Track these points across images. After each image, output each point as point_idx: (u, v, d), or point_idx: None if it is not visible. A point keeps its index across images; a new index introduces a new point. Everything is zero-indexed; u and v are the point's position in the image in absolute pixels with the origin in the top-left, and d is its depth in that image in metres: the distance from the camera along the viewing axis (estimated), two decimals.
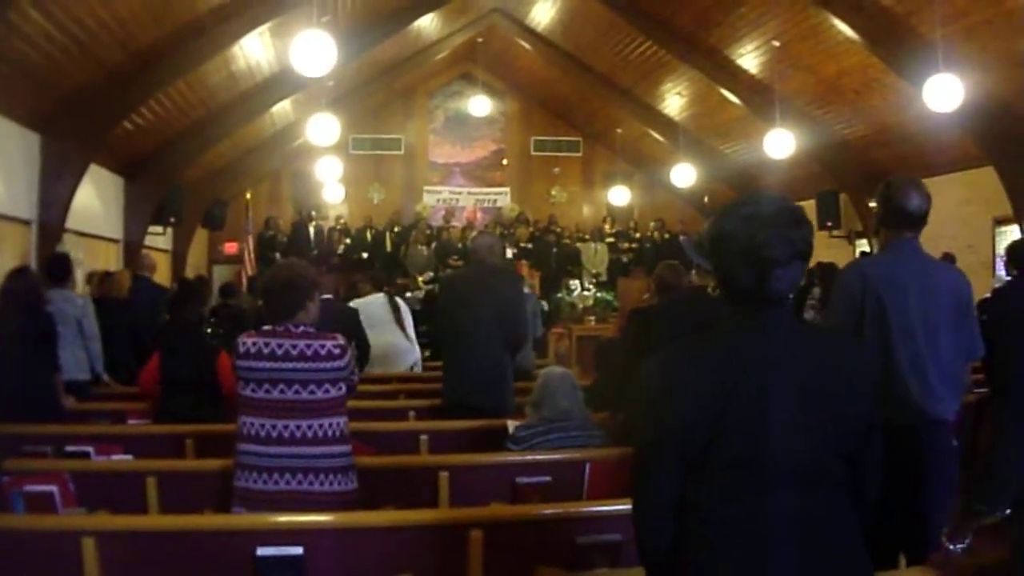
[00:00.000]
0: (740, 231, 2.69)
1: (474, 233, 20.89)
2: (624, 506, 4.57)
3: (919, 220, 5.08)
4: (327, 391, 4.99)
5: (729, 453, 2.62)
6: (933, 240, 5.20)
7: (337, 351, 5.00)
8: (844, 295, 5.04)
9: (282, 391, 4.93)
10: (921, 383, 4.82)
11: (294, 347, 4.95)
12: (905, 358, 4.82)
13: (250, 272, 20.38)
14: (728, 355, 2.71)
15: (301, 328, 5.04)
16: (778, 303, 2.73)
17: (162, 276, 17.27)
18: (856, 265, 5.45)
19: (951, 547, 3.29)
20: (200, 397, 7.74)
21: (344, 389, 5.11)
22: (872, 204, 5.30)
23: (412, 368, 10.92)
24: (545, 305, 18.51)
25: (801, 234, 2.69)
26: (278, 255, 20.68)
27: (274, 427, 4.92)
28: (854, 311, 4.93)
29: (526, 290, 10.61)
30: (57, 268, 9.25)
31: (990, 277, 13.51)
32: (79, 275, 12.05)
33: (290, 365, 4.93)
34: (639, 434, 2.84)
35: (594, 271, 21.93)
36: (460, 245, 21.51)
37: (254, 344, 4.98)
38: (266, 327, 5.10)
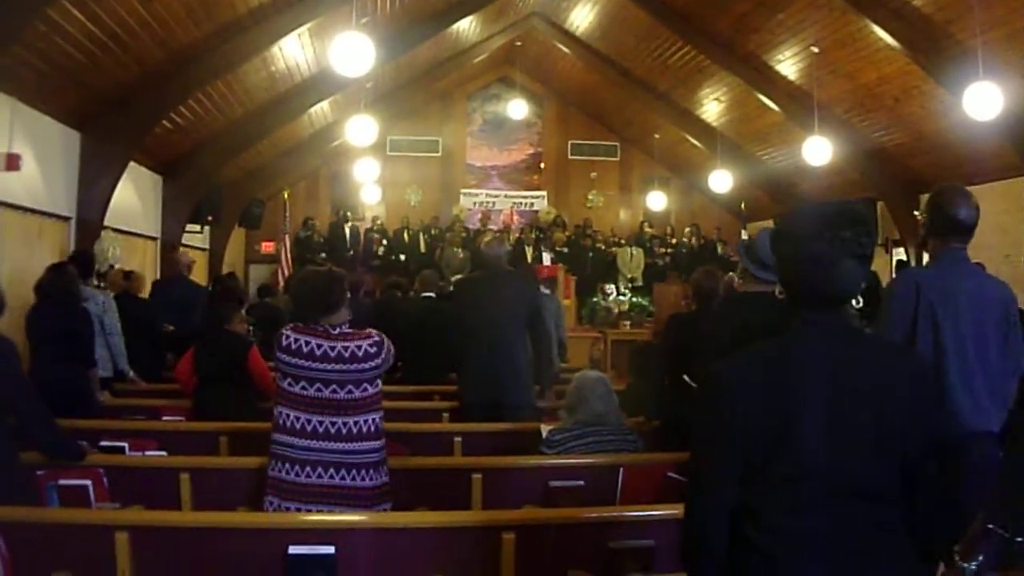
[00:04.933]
0: (804, 230, 2.73)
1: (486, 237, 20.95)
2: (658, 512, 4.56)
3: (967, 230, 5.04)
4: (365, 390, 5.06)
5: (786, 461, 2.62)
6: (970, 249, 5.16)
7: (373, 350, 5.07)
8: (897, 306, 4.99)
9: (319, 389, 5.00)
10: (971, 395, 4.77)
11: (332, 348, 5.02)
12: (956, 370, 4.78)
13: (287, 271, 20.44)
14: (789, 363, 2.71)
15: (338, 329, 5.11)
16: (839, 304, 2.74)
17: (199, 274, 17.36)
18: (908, 275, 5.40)
19: (964, 566, 3.24)
20: (231, 390, 7.81)
21: (380, 385, 5.14)
22: (917, 213, 5.28)
23: None
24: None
25: (861, 233, 2.70)
26: (322, 255, 20.82)
27: (309, 421, 4.98)
28: (906, 322, 4.89)
29: (545, 291, 10.64)
30: (79, 264, 9.29)
31: None
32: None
33: (329, 367, 5.00)
34: (699, 440, 2.83)
35: (630, 276, 21.87)
36: None
37: (296, 341, 5.05)
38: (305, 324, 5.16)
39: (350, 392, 5.02)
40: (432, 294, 10.34)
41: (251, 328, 9.56)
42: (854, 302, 12.17)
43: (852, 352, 2.71)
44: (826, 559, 2.60)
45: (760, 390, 2.66)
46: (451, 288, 13.70)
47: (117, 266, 12.47)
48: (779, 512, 2.63)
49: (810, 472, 2.61)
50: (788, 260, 2.81)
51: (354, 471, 4.98)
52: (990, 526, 3.17)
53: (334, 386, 5.00)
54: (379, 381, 5.15)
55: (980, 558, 3.16)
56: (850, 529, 2.60)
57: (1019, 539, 3.13)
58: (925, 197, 5.27)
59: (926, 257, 5.43)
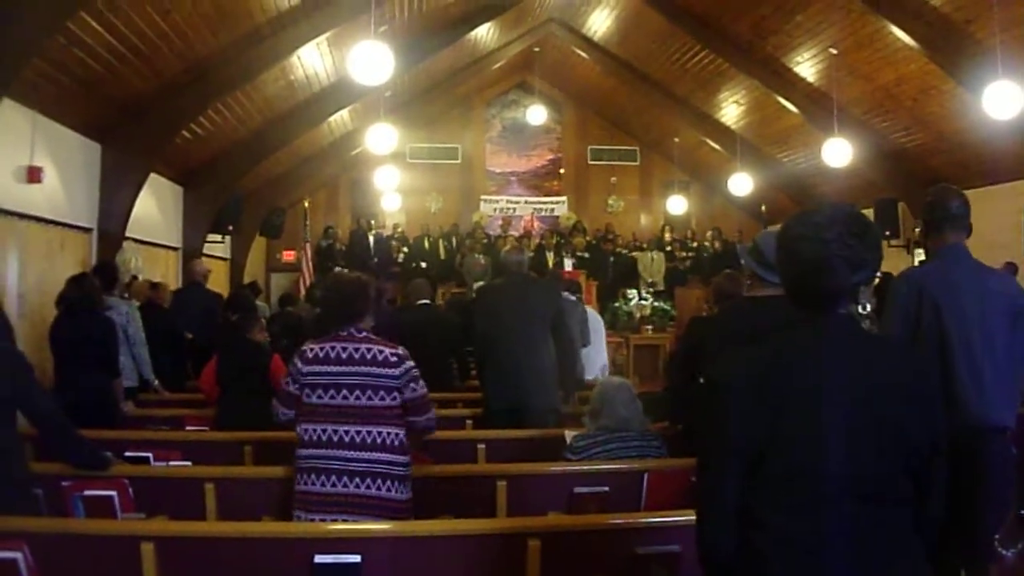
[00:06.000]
0: (796, 232, 2.78)
1: (507, 245, 20.94)
2: (683, 517, 4.55)
3: (959, 220, 5.09)
4: (383, 398, 5.07)
5: (786, 461, 2.63)
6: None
7: (394, 359, 5.11)
8: (899, 305, 5.01)
9: (344, 397, 5.05)
10: (979, 390, 4.78)
11: (356, 350, 5.10)
12: (963, 365, 4.79)
13: (308, 280, 20.45)
14: (787, 361, 2.72)
15: (363, 333, 5.18)
16: (835, 305, 2.75)
17: (221, 284, 17.42)
18: (909, 274, 5.40)
19: (1004, 552, 3.25)
20: (254, 399, 7.82)
21: (399, 399, 5.14)
22: (916, 230, 5.35)
23: None
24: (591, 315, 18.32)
25: (848, 235, 2.72)
26: (339, 263, 20.82)
27: (335, 432, 5.03)
28: (909, 320, 4.90)
29: (571, 297, 10.67)
30: (102, 276, 9.34)
31: None
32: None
33: (352, 369, 5.06)
34: (703, 440, 2.85)
35: (650, 280, 21.82)
36: None
37: (321, 349, 5.14)
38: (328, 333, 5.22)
39: (370, 399, 5.06)
40: (427, 301, 10.36)
41: (270, 338, 9.57)
42: (860, 308, 12.15)
43: (852, 351, 2.73)
44: (822, 561, 2.60)
45: (755, 389, 2.69)
46: (473, 295, 13.71)
47: (141, 277, 12.54)
48: (774, 512, 2.64)
49: (808, 470, 2.62)
50: (783, 262, 2.87)
51: (379, 480, 5.00)
52: (1022, 513, 3.18)
53: (356, 391, 5.05)
54: (397, 395, 5.15)
55: (1020, 545, 3.17)
56: (849, 531, 2.60)
57: None
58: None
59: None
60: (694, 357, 6.40)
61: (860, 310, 12.27)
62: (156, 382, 9.85)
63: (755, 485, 2.66)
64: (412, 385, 5.16)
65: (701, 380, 6.13)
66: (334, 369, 5.07)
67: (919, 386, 2.74)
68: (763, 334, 2.88)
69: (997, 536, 3.17)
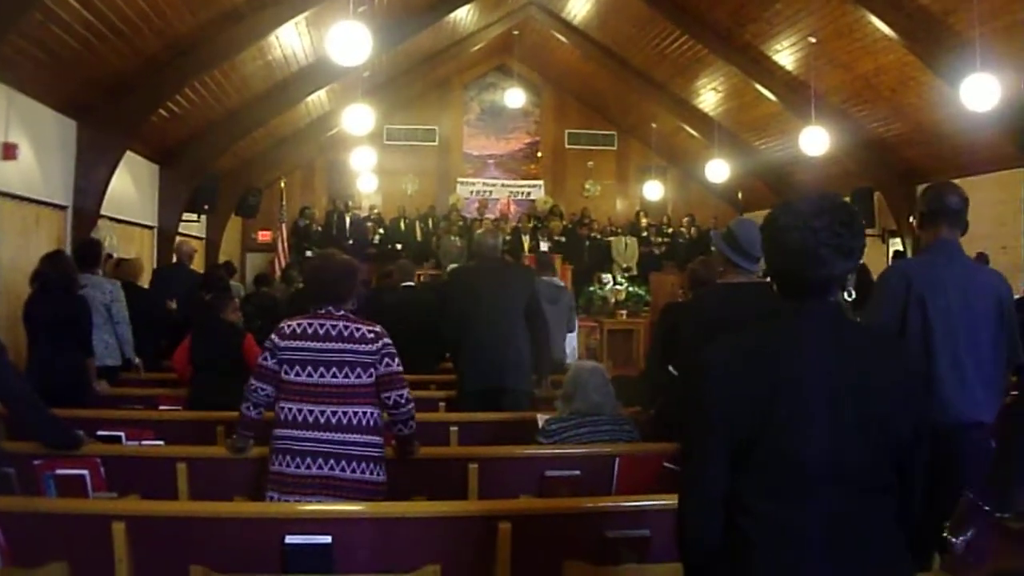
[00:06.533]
0: (783, 221, 2.78)
1: (482, 226, 20.91)
2: (653, 501, 4.57)
3: (955, 216, 5.09)
4: (359, 375, 5.09)
5: (771, 448, 2.63)
6: (967, 240, 5.19)
7: (371, 335, 5.16)
8: (887, 296, 5.01)
9: (321, 375, 5.07)
10: (962, 385, 4.79)
11: (334, 327, 5.14)
12: (946, 360, 4.80)
13: (283, 260, 20.40)
14: (773, 349, 2.74)
15: (341, 311, 5.22)
16: (825, 294, 2.76)
17: (196, 263, 17.37)
18: (899, 266, 5.43)
19: (954, 540, 3.27)
20: (226, 379, 7.81)
21: (374, 375, 5.15)
22: (911, 219, 5.34)
23: None
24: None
25: (836, 223, 2.72)
26: (315, 244, 20.78)
27: (311, 412, 5.05)
28: (895, 312, 4.91)
29: (559, 283, 10.70)
30: (87, 253, 9.31)
31: None
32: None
33: (329, 345, 5.09)
34: (688, 426, 2.87)
35: (624, 265, 21.85)
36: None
37: (299, 325, 5.17)
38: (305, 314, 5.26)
39: (347, 376, 5.08)
40: (411, 283, 10.39)
41: (244, 318, 9.57)
42: (846, 295, 12.17)
43: (838, 340, 2.73)
44: (805, 547, 2.61)
45: (741, 375, 2.70)
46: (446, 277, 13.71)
47: (116, 255, 12.51)
48: (761, 498, 2.65)
49: (792, 457, 2.63)
50: (770, 251, 2.88)
51: (355, 463, 5.02)
52: (978, 503, 3.20)
53: (334, 368, 5.08)
54: (373, 371, 5.16)
55: (969, 533, 3.19)
56: (832, 519, 2.61)
57: (1006, 515, 3.16)
58: (922, 188, 5.36)
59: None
60: (668, 342, 6.42)
61: (846, 296, 12.31)
62: (138, 361, 9.84)
63: (742, 472, 2.67)
64: (387, 360, 5.18)
65: (671, 368, 6.17)
66: (311, 345, 5.09)
67: (908, 385, 2.76)
68: (737, 320, 2.90)
69: (947, 524, 3.19)
